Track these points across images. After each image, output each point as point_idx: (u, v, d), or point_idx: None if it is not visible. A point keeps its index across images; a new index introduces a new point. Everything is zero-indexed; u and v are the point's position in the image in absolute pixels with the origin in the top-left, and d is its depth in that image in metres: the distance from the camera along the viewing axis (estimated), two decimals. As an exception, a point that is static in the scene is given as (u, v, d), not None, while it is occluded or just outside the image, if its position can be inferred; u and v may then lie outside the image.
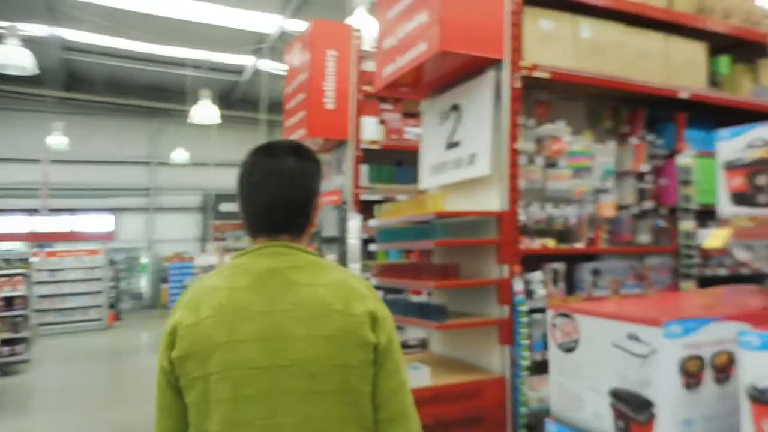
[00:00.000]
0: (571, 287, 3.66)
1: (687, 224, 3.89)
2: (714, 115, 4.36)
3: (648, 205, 3.97)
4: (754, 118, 4.63)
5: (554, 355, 1.61)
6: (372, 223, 3.94)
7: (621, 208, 3.88)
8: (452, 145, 3.67)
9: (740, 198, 1.63)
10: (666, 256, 3.93)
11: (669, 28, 4.03)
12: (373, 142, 5.56)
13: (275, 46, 12.80)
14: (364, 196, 5.49)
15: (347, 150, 5.52)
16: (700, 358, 1.31)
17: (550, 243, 3.52)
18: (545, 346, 3.42)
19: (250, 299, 1.28)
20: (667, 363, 1.29)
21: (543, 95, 3.83)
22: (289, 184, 1.37)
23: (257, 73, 14.94)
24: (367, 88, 5.59)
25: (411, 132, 5.75)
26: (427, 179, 3.98)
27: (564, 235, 3.65)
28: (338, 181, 5.70)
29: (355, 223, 5.35)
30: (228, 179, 15.57)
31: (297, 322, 1.25)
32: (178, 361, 1.25)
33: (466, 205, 3.65)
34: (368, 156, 5.59)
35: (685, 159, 3.94)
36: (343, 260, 5.33)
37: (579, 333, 1.51)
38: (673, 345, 1.29)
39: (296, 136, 5.62)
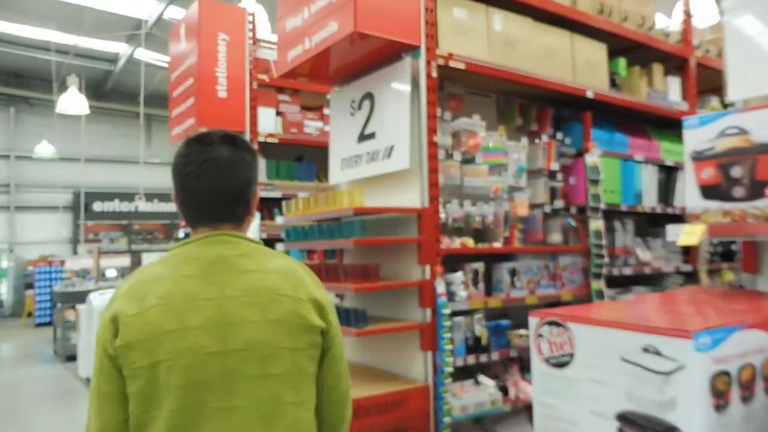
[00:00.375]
0: (489, 288, 3.53)
1: (596, 224, 3.90)
2: (610, 115, 4.46)
3: (559, 204, 3.94)
4: (651, 121, 4.82)
5: (539, 370, 1.37)
6: (279, 221, 3.57)
7: (533, 206, 3.81)
8: (366, 136, 3.41)
9: (711, 191, 1.50)
10: (577, 255, 3.92)
11: (573, 27, 4.03)
12: (271, 136, 5.17)
13: (152, 33, 11.87)
14: (263, 194, 5.08)
15: (243, 143, 5.08)
16: (728, 374, 1.13)
17: (470, 242, 3.36)
18: (466, 351, 3.25)
19: (199, 287, 1.28)
20: (697, 381, 1.10)
21: (455, 88, 3.67)
22: (225, 173, 1.36)
23: (132, 62, 13.82)
24: (262, 77, 5.19)
25: (311, 126, 5.42)
26: (337, 174, 3.68)
27: (481, 234, 3.51)
28: (232, 176, 5.24)
29: (255, 223, 4.93)
30: (101, 176, 14.14)
31: (248, 307, 1.28)
32: (122, 350, 1.22)
33: (382, 202, 3.40)
34: (265, 150, 5.19)
35: (593, 158, 3.95)
36: (238, 263, 4.89)
37: (574, 345, 1.28)
38: (703, 359, 1.10)
39: (185, 126, 5.09)
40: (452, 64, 3.29)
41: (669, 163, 4.56)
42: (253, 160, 1.45)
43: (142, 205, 14.88)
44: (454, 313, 3.17)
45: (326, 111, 5.52)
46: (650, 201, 4.40)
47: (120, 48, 13.58)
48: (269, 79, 5.22)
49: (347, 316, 2.92)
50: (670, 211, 4.49)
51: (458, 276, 3.23)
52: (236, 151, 1.40)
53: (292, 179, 5.34)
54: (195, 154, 1.37)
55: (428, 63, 3.19)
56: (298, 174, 5.39)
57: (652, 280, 4.48)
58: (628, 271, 4.16)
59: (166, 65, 14.52)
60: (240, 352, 1.24)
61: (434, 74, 3.20)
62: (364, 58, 3.36)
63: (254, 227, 4.93)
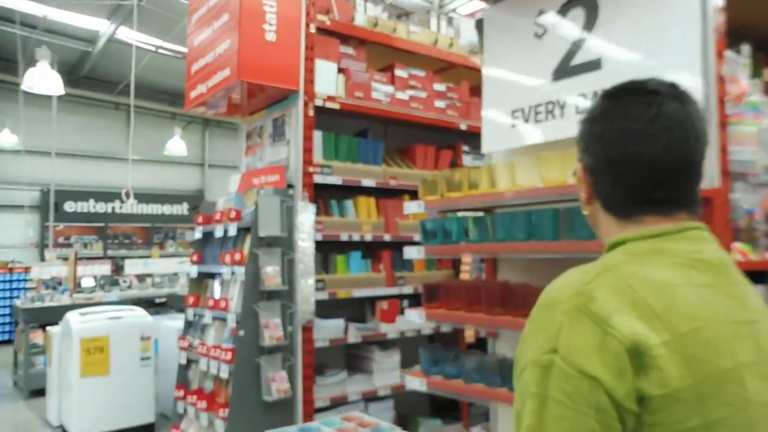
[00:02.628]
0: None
1: None
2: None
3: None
4: None
5: None
6: (414, 208, 2.13)
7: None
8: (577, 68, 2.00)
9: None
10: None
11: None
12: (331, 99, 3.73)
13: (141, 5, 10.29)
14: (319, 179, 3.65)
15: (295, 107, 3.64)
16: None
17: (749, 251, 1.99)
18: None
19: (725, 304, 0.86)
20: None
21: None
22: (687, 136, 0.92)
23: (114, 42, 12.18)
24: (322, 18, 3.77)
25: (381, 90, 4.00)
26: (503, 135, 2.26)
27: (741, 237, 2.14)
28: (278, 153, 3.79)
29: (307, 218, 3.49)
30: (74, 172, 12.39)
31: None
32: (662, 401, 0.75)
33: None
34: (322, 119, 3.77)
35: None
36: (290, 272, 3.45)
37: None
38: None
39: (212, 82, 3.63)
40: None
41: None
42: (704, 119, 0.95)
43: (121, 206, 13.21)
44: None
45: (398, 72, 4.11)
46: None
47: (100, 25, 11.94)
48: (330, 22, 3.80)
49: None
50: None
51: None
52: (688, 105, 0.93)
53: (354, 161, 3.91)
54: (641, 107, 0.92)
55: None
56: (362, 154, 3.96)
57: None
58: None
59: (154, 48, 12.95)
60: None
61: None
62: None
63: (309, 224, 3.49)
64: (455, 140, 4.55)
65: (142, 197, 15.01)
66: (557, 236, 1.74)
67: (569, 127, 2.00)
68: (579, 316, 0.80)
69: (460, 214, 2.27)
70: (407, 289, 4.02)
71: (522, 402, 0.81)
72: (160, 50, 12.46)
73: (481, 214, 2.22)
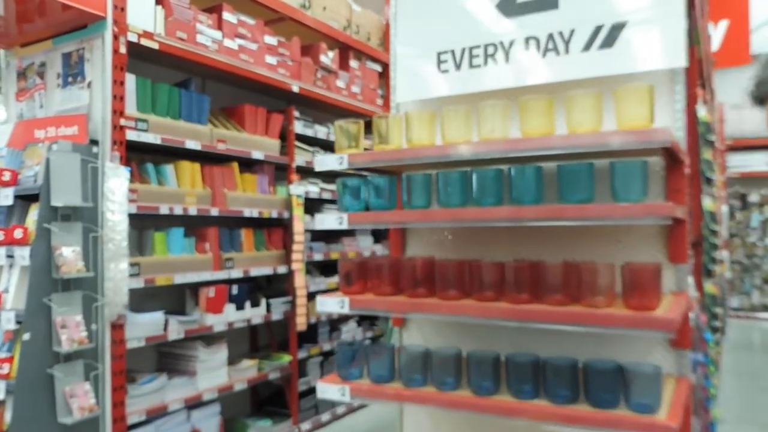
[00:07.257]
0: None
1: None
2: None
3: None
4: None
5: None
6: (338, 163, 1.61)
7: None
8: (529, 5, 1.70)
9: None
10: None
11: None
12: (148, 36, 2.96)
13: None
14: (132, 135, 2.87)
15: (99, 41, 2.79)
16: None
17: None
18: None
19: None
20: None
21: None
22: None
23: None
24: (135, -68, 2.95)
25: (207, 35, 3.31)
26: (427, 83, 1.86)
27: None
28: (74, 99, 2.88)
29: (120, 184, 2.72)
30: None
31: None
32: None
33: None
34: (137, 62, 3.00)
35: None
36: (95, 254, 2.65)
37: None
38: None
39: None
40: None
41: None
42: None
43: None
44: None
45: (227, 16, 3.46)
46: None
47: None
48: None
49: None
50: None
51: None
52: None
53: (175, 117, 3.18)
54: None
55: None
56: (184, 109, 3.25)
57: None
58: None
59: None
60: None
61: None
62: None
63: (121, 192, 2.72)
64: (284, 104, 4.03)
65: None
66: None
67: (515, 75, 1.70)
68: None
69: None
70: (236, 273, 3.42)
71: None
72: None
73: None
